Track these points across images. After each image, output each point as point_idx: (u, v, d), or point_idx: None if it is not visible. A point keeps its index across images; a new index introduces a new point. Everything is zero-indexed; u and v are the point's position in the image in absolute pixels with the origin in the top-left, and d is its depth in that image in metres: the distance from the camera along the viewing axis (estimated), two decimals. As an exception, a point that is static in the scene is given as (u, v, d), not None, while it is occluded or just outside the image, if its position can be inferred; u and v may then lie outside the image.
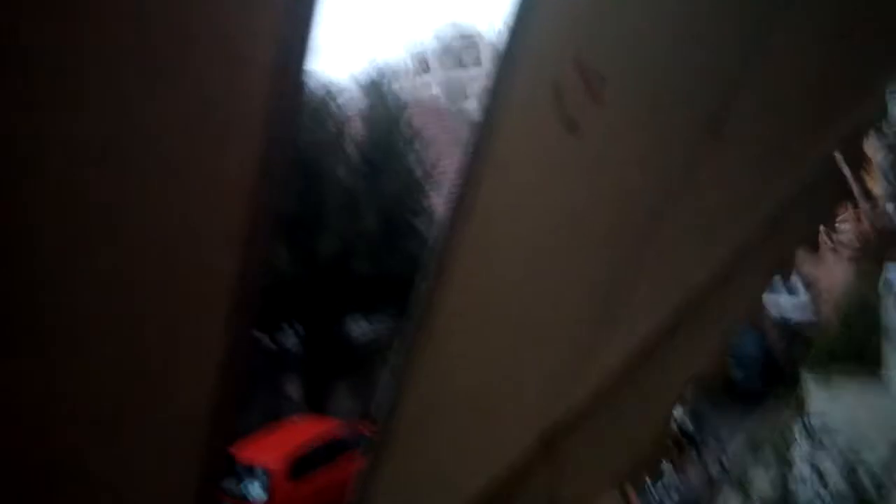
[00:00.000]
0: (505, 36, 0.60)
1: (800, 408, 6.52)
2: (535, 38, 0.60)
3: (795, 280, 13.13)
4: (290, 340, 10.97)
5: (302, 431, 8.93)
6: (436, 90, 35.43)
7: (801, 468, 5.73)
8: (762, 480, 5.92)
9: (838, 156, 2.48)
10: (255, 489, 7.92)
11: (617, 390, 1.47)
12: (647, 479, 1.86)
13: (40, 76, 0.34)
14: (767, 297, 2.45)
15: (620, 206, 1.03)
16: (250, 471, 7.89)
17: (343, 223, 10.08)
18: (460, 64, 44.95)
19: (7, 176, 0.35)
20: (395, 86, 13.26)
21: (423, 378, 0.84)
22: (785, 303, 12.43)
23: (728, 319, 2.07)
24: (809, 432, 5.84)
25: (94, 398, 0.43)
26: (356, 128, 11.48)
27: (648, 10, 0.81)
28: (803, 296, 13.40)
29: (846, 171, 2.38)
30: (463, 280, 0.78)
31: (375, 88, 11.92)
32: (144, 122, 0.39)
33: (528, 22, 0.60)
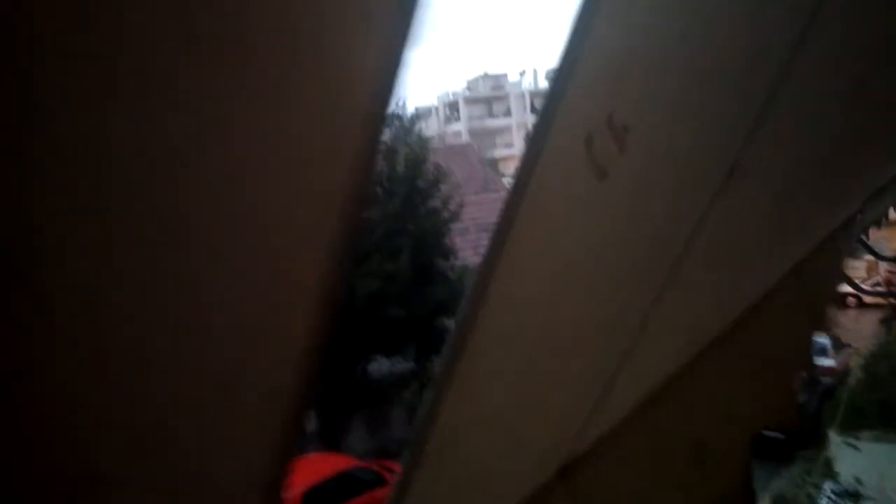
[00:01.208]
0: (546, 93, 0.69)
1: (827, 468, 6.34)
2: (572, 97, 0.69)
3: (822, 336, 12.82)
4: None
5: (317, 467, 8.87)
6: (465, 137, 35.84)
7: (827, 531, 5.55)
8: (786, 542, 5.73)
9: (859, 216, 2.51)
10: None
11: (635, 429, 1.50)
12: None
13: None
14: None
15: (643, 250, 1.10)
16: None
17: (381, 264, 10.14)
18: (490, 113, 45.48)
19: (129, 180, 0.42)
20: (425, 130, 13.41)
21: (453, 404, 0.87)
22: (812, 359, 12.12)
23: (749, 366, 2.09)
24: (836, 494, 5.67)
25: (192, 387, 0.51)
26: (381, 166, 11.62)
27: (669, 59, 0.88)
28: (830, 352, 13.07)
29: (867, 228, 2.40)
30: (494, 313, 0.83)
31: (401, 127, 12.09)
32: (247, 134, 0.46)
33: (567, 82, 0.69)
